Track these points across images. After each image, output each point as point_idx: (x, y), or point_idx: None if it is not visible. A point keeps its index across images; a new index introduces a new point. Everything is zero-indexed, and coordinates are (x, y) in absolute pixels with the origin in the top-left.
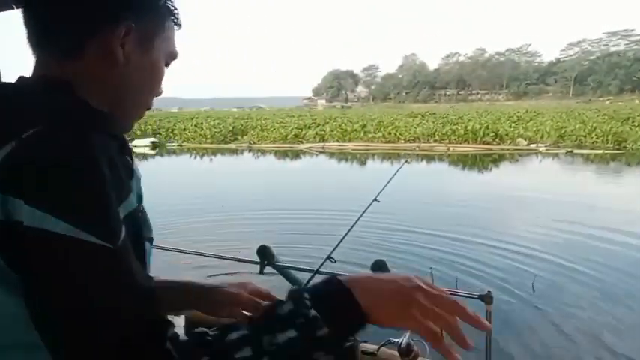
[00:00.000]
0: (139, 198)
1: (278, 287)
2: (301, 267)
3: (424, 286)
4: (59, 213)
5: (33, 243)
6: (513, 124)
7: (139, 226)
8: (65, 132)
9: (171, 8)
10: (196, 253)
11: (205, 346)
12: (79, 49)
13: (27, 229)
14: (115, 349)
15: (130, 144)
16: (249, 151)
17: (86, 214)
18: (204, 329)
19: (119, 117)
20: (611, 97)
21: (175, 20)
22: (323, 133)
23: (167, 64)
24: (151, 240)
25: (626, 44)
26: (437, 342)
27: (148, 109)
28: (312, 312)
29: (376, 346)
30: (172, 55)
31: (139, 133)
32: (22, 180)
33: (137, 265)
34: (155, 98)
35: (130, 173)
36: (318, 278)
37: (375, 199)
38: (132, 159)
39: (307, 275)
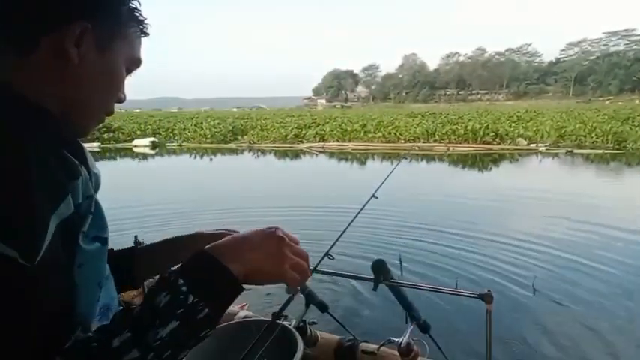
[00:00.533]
0: (89, 199)
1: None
2: None
3: (287, 239)
4: None
5: None
6: (513, 124)
7: (74, 232)
8: None
9: (139, 17)
10: None
11: (93, 354)
12: (32, 48)
13: None
14: None
15: (88, 143)
16: (249, 150)
17: (6, 224)
18: (89, 335)
19: (74, 119)
20: (611, 97)
21: (142, 28)
22: (323, 132)
23: (129, 71)
24: (104, 240)
25: (626, 44)
26: (295, 284)
27: (109, 114)
28: (191, 298)
29: (376, 346)
30: (135, 62)
31: (138, 133)
32: None
33: (53, 286)
34: (155, 98)
35: (73, 174)
36: (316, 277)
37: (374, 196)
38: (83, 157)
39: None
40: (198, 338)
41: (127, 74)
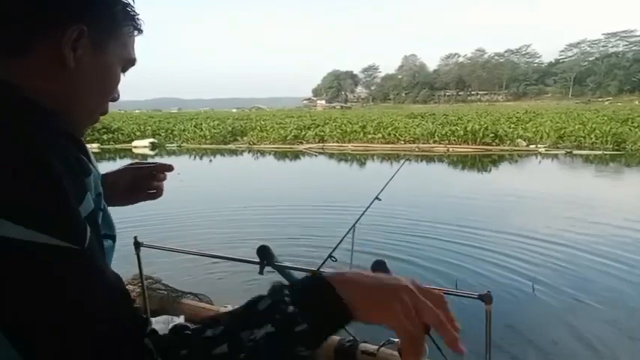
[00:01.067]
0: (99, 196)
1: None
2: (301, 267)
3: (411, 286)
4: (16, 217)
5: None
6: (513, 125)
7: (98, 226)
8: (9, 131)
9: (132, 13)
10: (196, 254)
11: (185, 340)
12: (27, 50)
13: None
14: (93, 353)
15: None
16: (249, 151)
17: (47, 216)
18: (185, 323)
19: (70, 120)
20: (610, 98)
21: (135, 25)
22: (322, 133)
23: (124, 70)
24: (113, 238)
25: (625, 45)
26: (415, 342)
27: (104, 114)
28: (291, 308)
29: (376, 346)
30: (130, 61)
31: (138, 133)
32: None
33: (107, 265)
34: (155, 99)
35: (87, 171)
36: None
37: (377, 198)
38: (88, 156)
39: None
40: (292, 355)
41: (121, 73)
